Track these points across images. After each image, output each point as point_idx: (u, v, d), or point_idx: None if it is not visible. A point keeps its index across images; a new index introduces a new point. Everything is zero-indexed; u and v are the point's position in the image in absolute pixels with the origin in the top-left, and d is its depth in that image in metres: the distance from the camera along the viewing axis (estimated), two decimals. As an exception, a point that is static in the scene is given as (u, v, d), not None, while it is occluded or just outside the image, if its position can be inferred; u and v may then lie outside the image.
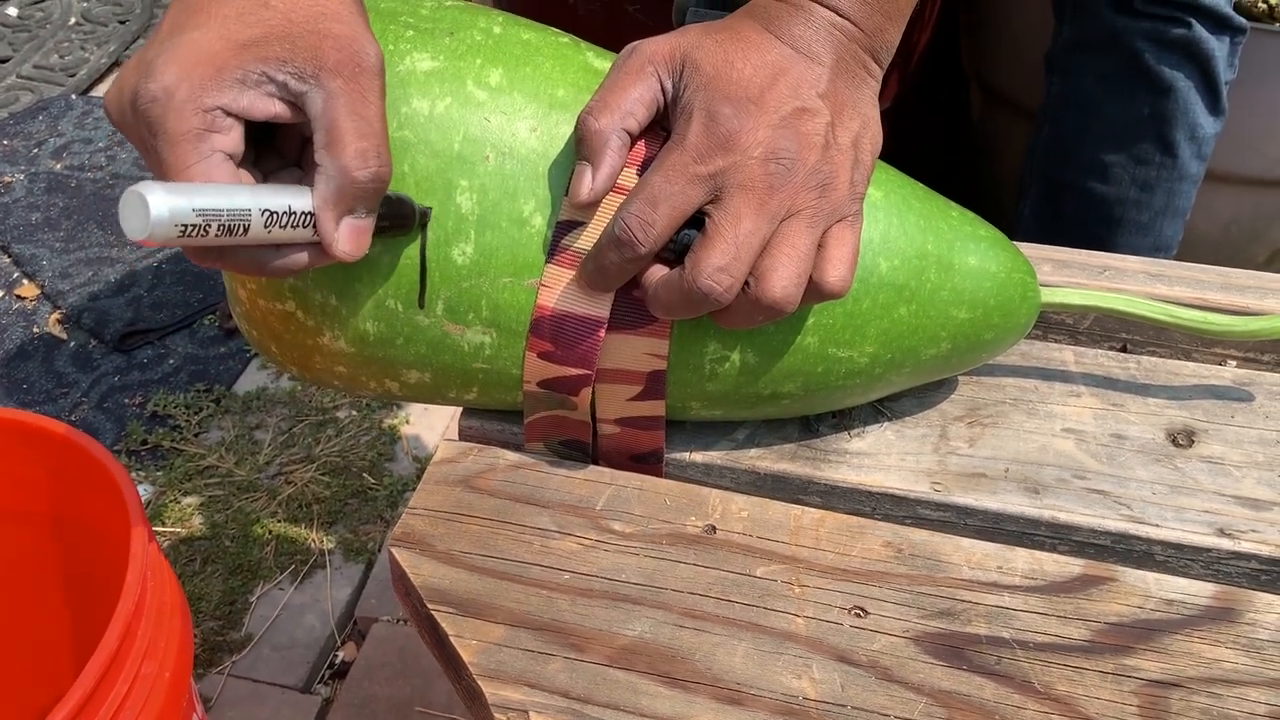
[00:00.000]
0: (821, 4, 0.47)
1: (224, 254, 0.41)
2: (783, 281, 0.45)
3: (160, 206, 0.36)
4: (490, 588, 0.48)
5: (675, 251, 0.46)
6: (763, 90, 0.45)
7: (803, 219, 0.45)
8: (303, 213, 0.41)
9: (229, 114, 0.41)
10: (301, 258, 0.43)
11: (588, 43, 0.53)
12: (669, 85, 0.47)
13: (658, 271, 0.46)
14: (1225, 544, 0.50)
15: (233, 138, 0.41)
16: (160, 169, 0.40)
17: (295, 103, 0.42)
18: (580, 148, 0.47)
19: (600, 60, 0.51)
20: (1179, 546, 0.51)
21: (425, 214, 0.47)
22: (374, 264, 0.48)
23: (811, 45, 0.47)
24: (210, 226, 0.38)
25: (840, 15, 0.47)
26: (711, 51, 0.46)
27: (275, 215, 0.40)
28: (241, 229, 0.39)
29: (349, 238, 0.42)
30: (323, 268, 0.47)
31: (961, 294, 0.52)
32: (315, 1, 0.43)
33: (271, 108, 0.42)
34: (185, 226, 0.37)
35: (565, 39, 0.52)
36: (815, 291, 0.46)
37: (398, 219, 0.46)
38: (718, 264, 0.44)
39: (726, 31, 0.48)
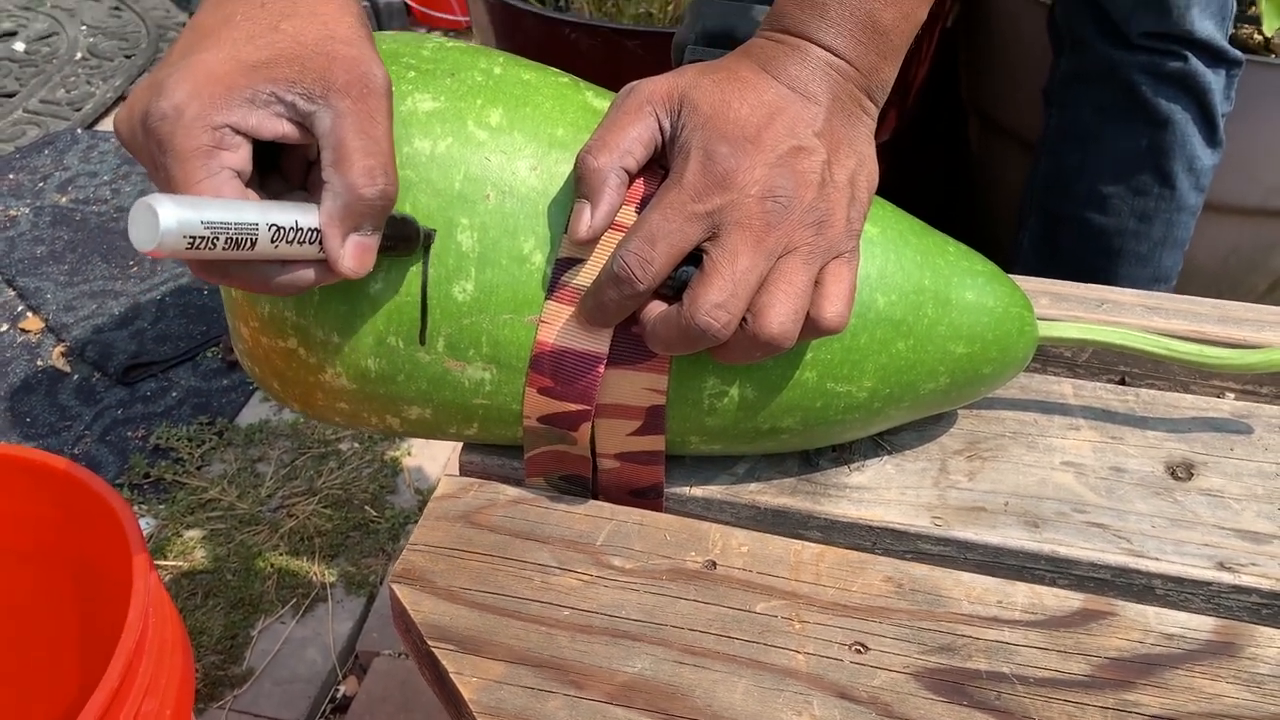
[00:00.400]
0: (817, 44, 0.48)
1: (230, 270, 0.42)
2: (780, 318, 0.45)
3: (169, 218, 0.37)
4: (490, 624, 0.48)
5: (674, 288, 0.46)
6: (759, 129, 0.46)
7: (799, 256, 0.46)
8: (309, 229, 0.42)
9: (238, 132, 0.42)
10: (307, 274, 0.43)
11: (587, 82, 0.54)
12: (667, 124, 0.47)
13: (656, 308, 0.47)
14: (1225, 578, 0.50)
15: (241, 155, 0.42)
16: (169, 185, 0.41)
17: (303, 123, 0.43)
18: (579, 186, 0.47)
19: (599, 99, 0.52)
20: (1179, 580, 0.51)
21: (429, 235, 0.48)
22: (375, 301, 0.48)
23: (808, 85, 0.48)
24: (218, 239, 0.38)
25: (836, 55, 0.48)
26: (709, 91, 0.47)
27: (282, 230, 0.41)
28: (248, 243, 0.40)
29: (354, 254, 0.43)
30: (325, 305, 0.48)
31: (959, 329, 0.53)
32: (324, 25, 0.44)
33: (280, 127, 0.43)
34: (193, 239, 0.38)
35: (565, 79, 0.53)
36: (813, 328, 0.47)
37: (402, 239, 0.46)
38: (715, 300, 0.44)
39: (723, 72, 0.48)
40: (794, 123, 0.47)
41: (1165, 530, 0.53)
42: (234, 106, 0.41)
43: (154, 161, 0.42)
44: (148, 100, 0.41)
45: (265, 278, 0.42)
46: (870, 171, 0.49)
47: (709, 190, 0.45)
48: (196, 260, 0.41)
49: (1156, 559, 0.51)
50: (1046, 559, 0.52)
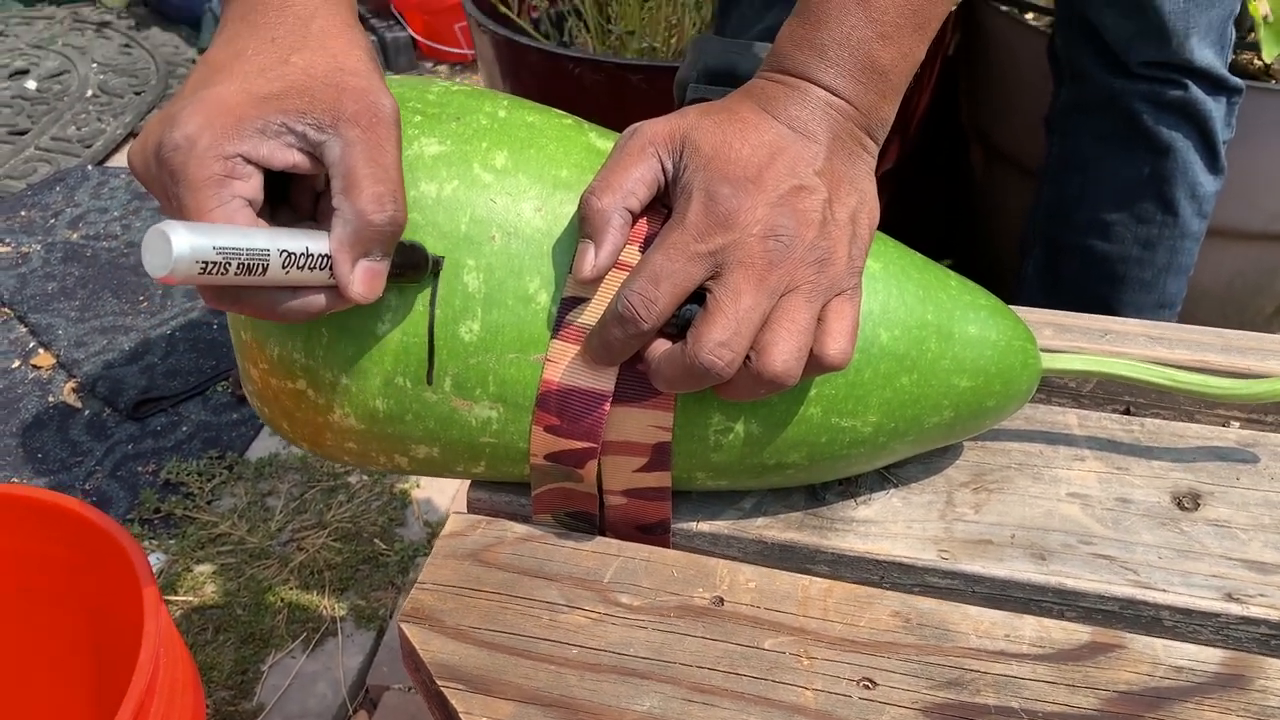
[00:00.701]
0: (816, 84, 0.49)
1: (241, 296, 0.43)
2: (783, 355, 0.45)
3: (182, 244, 0.37)
4: (499, 663, 0.48)
5: (678, 326, 0.47)
6: (760, 169, 0.46)
7: (802, 294, 0.46)
8: (320, 255, 0.43)
9: (249, 162, 0.42)
10: (318, 300, 0.44)
11: (590, 123, 0.54)
12: (669, 165, 0.48)
13: (661, 346, 0.47)
14: (1234, 609, 0.50)
15: (252, 185, 0.43)
16: (182, 214, 0.42)
17: (313, 153, 0.44)
18: (583, 226, 0.48)
19: (602, 140, 0.53)
20: (1187, 612, 0.51)
21: (438, 262, 0.48)
22: (383, 342, 0.49)
23: (808, 124, 0.48)
24: (230, 265, 0.39)
25: (835, 95, 0.49)
26: (710, 132, 0.48)
27: (293, 256, 0.41)
28: (260, 269, 0.40)
29: (364, 280, 0.43)
30: (334, 347, 0.48)
31: (962, 362, 0.53)
32: (333, 58, 0.45)
33: (290, 157, 0.43)
34: (206, 264, 0.38)
35: (568, 120, 0.53)
36: (816, 364, 0.47)
37: (411, 265, 0.47)
38: (719, 339, 0.45)
39: (725, 113, 0.49)
40: (795, 162, 0.47)
41: (1172, 561, 0.53)
42: (245, 137, 0.42)
43: (167, 192, 0.43)
44: (161, 132, 0.42)
45: (275, 303, 0.43)
46: (871, 209, 0.50)
47: (711, 230, 0.46)
48: (209, 286, 0.41)
49: (1164, 590, 0.51)
50: (1054, 591, 0.52)
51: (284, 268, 0.41)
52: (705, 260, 0.46)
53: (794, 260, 0.46)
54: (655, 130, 0.48)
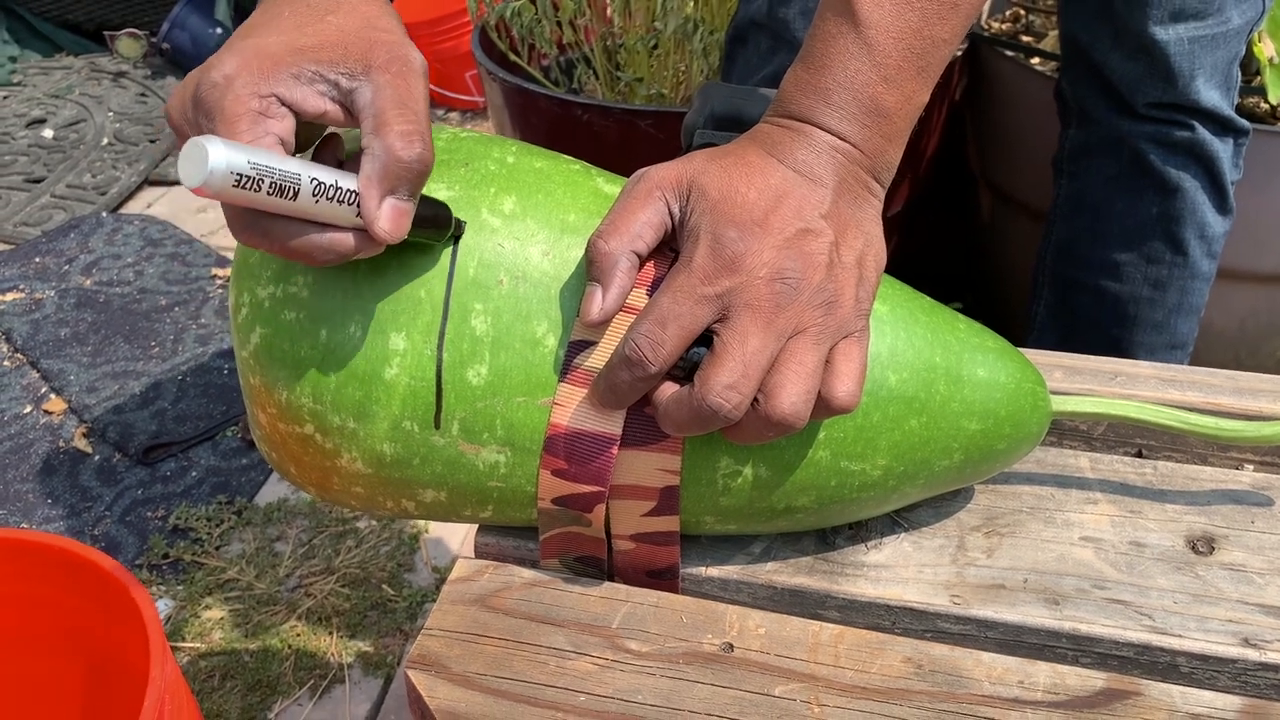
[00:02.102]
0: (822, 129, 0.49)
1: (270, 229, 0.43)
2: (791, 397, 0.45)
3: (219, 156, 0.38)
4: (506, 711, 0.47)
5: (685, 369, 0.47)
6: (767, 213, 0.47)
7: (809, 336, 0.46)
8: (349, 189, 0.43)
9: (283, 103, 0.44)
10: (346, 240, 0.44)
11: (598, 169, 0.55)
12: (676, 209, 0.48)
13: (668, 389, 0.47)
14: (1251, 655, 0.50)
15: (285, 126, 0.44)
16: None
17: (344, 103, 0.45)
18: (591, 269, 0.48)
19: (610, 185, 0.53)
20: (1204, 658, 0.50)
21: (460, 225, 0.49)
22: (390, 386, 0.49)
23: (814, 168, 0.49)
24: (263, 182, 0.40)
25: (840, 139, 0.49)
26: (717, 176, 0.48)
27: (323, 186, 0.42)
28: (291, 192, 0.41)
29: (390, 217, 0.44)
30: (342, 391, 0.48)
31: (972, 405, 0.53)
32: (365, 18, 0.47)
33: (322, 105, 0.45)
34: (240, 177, 0.39)
35: (576, 166, 0.54)
36: (824, 407, 0.47)
37: (435, 220, 0.47)
38: (726, 381, 0.45)
39: (732, 157, 0.49)
40: (801, 206, 0.47)
41: (1188, 606, 0.52)
42: (281, 80, 0.44)
43: (201, 130, 0.44)
44: (199, 76, 0.44)
45: (304, 237, 0.43)
46: (878, 251, 0.50)
47: (718, 273, 0.46)
48: (239, 211, 0.42)
49: (1180, 636, 0.51)
50: (1068, 637, 0.51)
51: (314, 195, 0.42)
52: (712, 303, 0.46)
53: (801, 303, 0.46)
54: (662, 175, 0.49)
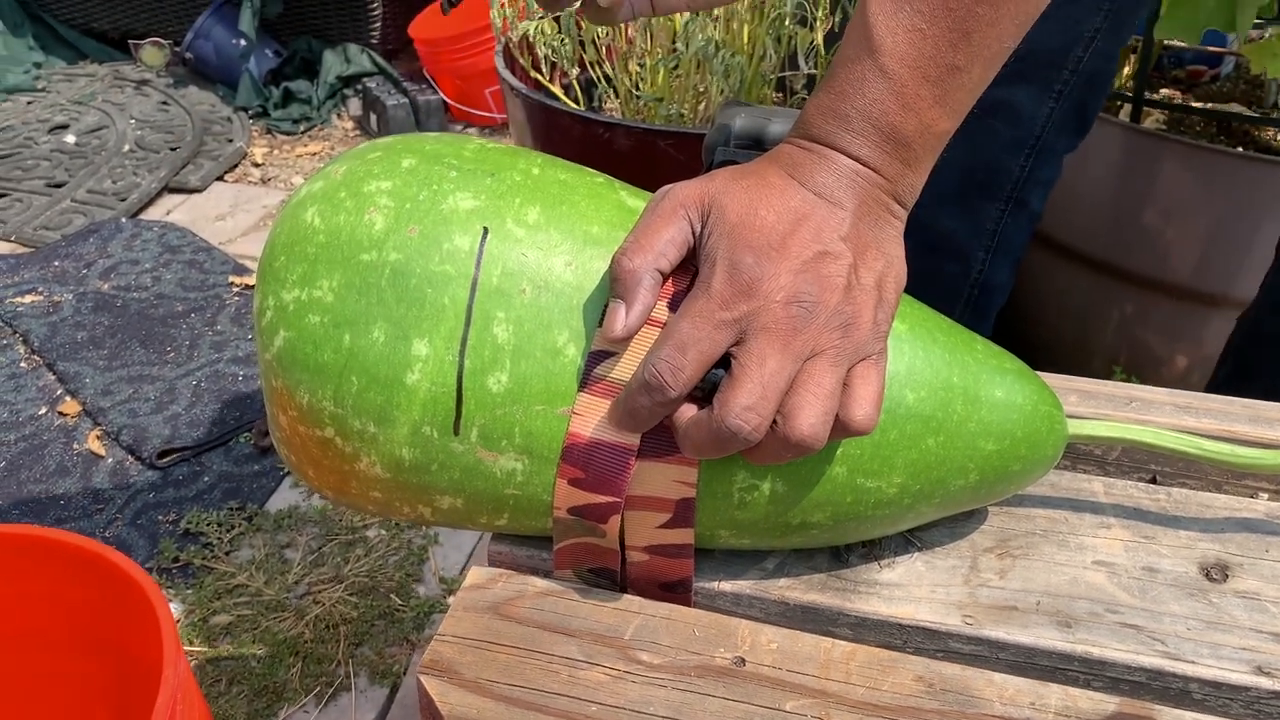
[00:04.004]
0: (842, 152, 0.49)
1: None
2: (810, 419, 0.46)
3: None
4: (517, 718, 0.47)
5: (704, 390, 0.47)
6: (785, 237, 0.47)
7: (827, 358, 0.47)
8: None
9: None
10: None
11: (621, 182, 0.55)
12: (698, 227, 0.49)
13: (688, 411, 0.48)
14: (1265, 683, 0.50)
15: None
16: None
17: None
18: (614, 286, 0.48)
19: (633, 199, 0.53)
20: (1217, 684, 0.50)
21: (484, 232, 0.50)
22: (411, 391, 0.49)
23: (834, 191, 0.49)
24: None
25: (860, 163, 0.49)
26: (737, 198, 0.48)
27: None
28: None
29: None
30: (363, 395, 0.49)
31: (988, 426, 0.53)
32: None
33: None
34: None
35: (600, 178, 0.54)
36: (841, 428, 0.47)
37: None
38: (745, 403, 0.45)
39: (753, 178, 0.50)
40: (820, 228, 0.48)
41: (1201, 633, 0.52)
42: None
43: None
44: None
45: None
46: (898, 273, 0.50)
47: (735, 298, 0.46)
48: None
49: (1193, 662, 0.50)
50: (1080, 660, 0.51)
51: None
52: (730, 327, 0.46)
53: (818, 325, 0.46)
54: (686, 193, 0.49)
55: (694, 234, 0.49)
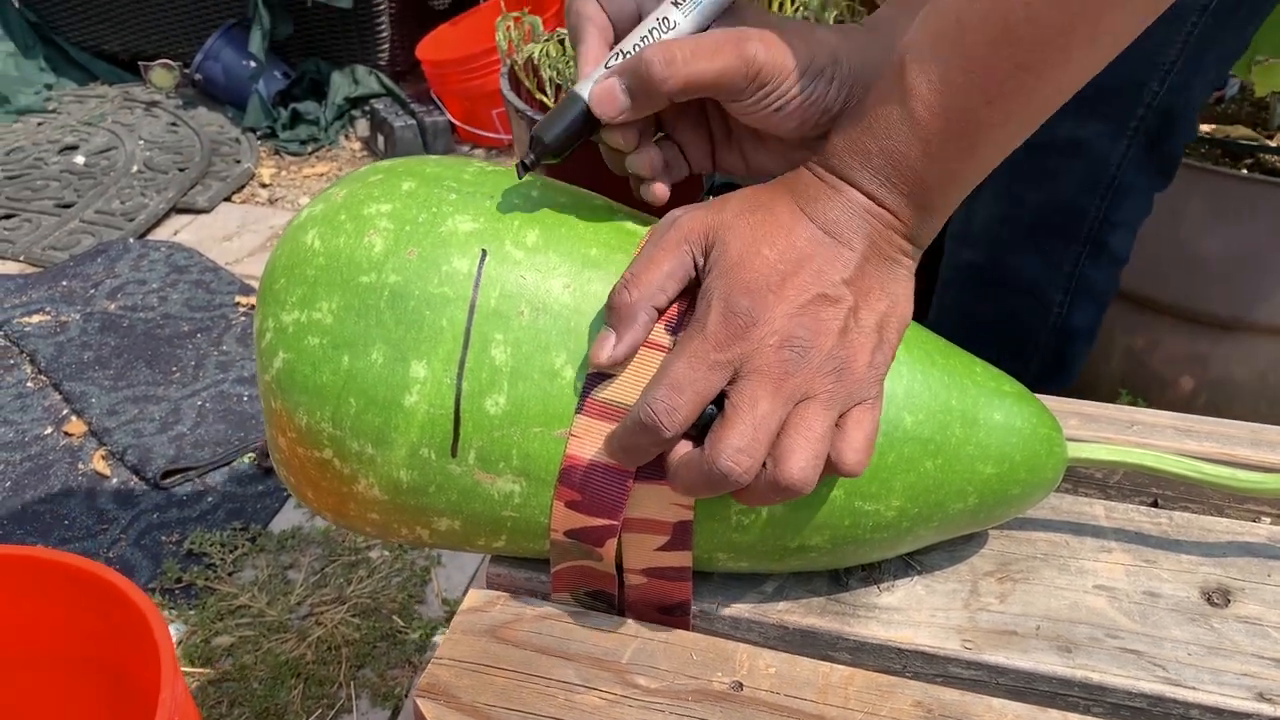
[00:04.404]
0: (858, 189, 0.49)
1: None
2: (800, 463, 0.46)
3: None
4: (514, 742, 0.47)
5: (697, 427, 0.47)
6: (784, 278, 0.47)
7: (819, 402, 0.46)
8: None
9: None
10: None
11: (619, 204, 0.55)
12: (700, 261, 0.49)
13: (682, 448, 0.48)
14: (1266, 709, 0.49)
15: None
16: None
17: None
18: (609, 314, 0.48)
19: (632, 222, 0.54)
20: (1218, 711, 0.50)
21: (483, 254, 0.51)
22: (409, 413, 0.49)
23: (844, 229, 0.48)
24: None
25: (876, 202, 0.48)
26: (741, 234, 0.48)
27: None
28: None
29: (603, 89, 0.50)
30: (361, 418, 0.49)
31: (987, 449, 0.53)
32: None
33: None
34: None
35: (599, 201, 0.54)
36: (831, 469, 0.47)
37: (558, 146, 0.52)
38: (737, 445, 0.45)
39: (761, 211, 0.49)
40: (821, 270, 0.47)
41: (1202, 658, 0.52)
42: None
43: None
44: None
45: None
46: (902, 314, 0.49)
47: (730, 340, 0.46)
48: None
49: (1194, 688, 0.50)
50: (1080, 685, 0.51)
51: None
52: (725, 368, 0.46)
53: (810, 369, 0.46)
54: (691, 225, 0.49)
55: (696, 268, 0.49)
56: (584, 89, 0.50)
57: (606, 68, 0.50)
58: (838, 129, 0.50)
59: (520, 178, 0.52)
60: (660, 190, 0.54)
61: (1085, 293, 0.99)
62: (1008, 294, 1.00)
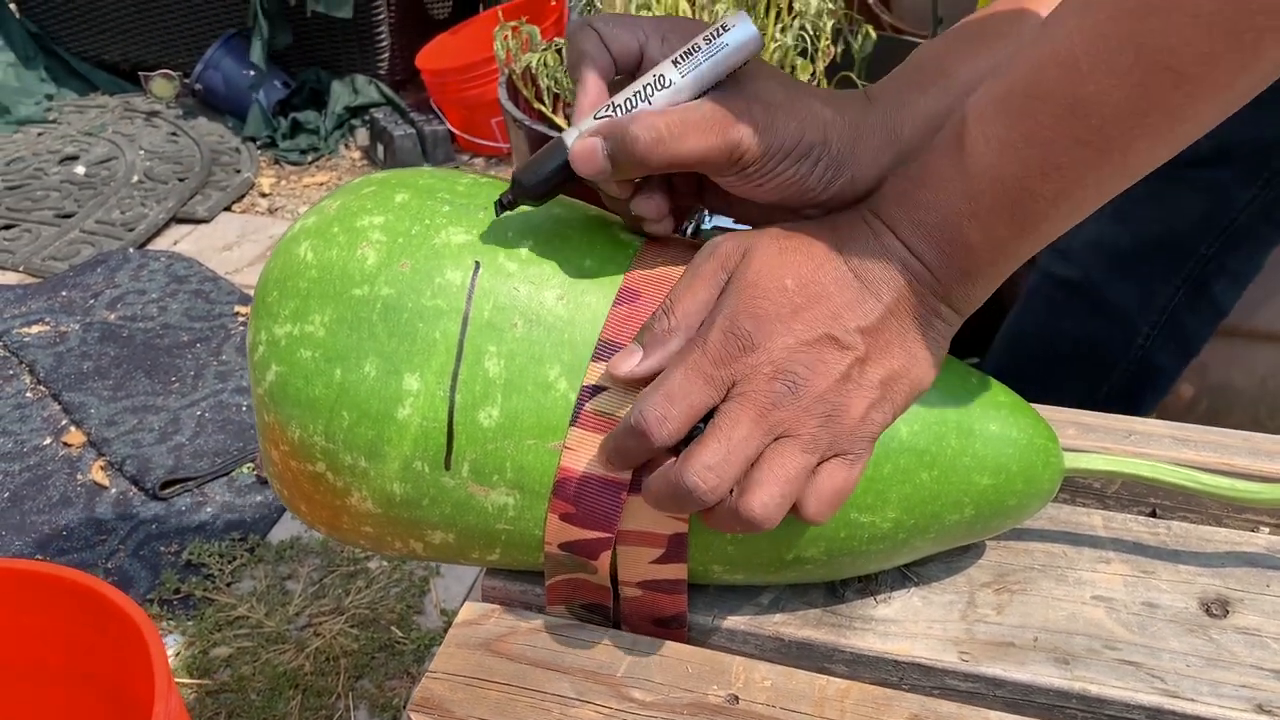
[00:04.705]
0: (901, 240, 0.47)
1: None
2: (763, 498, 0.45)
3: None
4: (508, 756, 0.47)
5: (686, 442, 0.47)
6: (796, 310, 0.46)
7: (799, 443, 0.46)
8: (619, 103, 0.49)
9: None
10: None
11: (615, 216, 0.55)
12: (726, 280, 0.48)
13: (663, 459, 0.47)
14: (1265, 721, 0.49)
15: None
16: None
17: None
18: (643, 334, 0.48)
19: (625, 233, 0.53)
20: (1217, 723, 0.49)
21: (476, 265, 0.50)
22: (403, 426, 0.49)
23: (874, 277, 0.47)
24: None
25: (915, 257, 0.47)
26: (768, 258, 0.47)
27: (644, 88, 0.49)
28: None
29: (583, 147, 0.48)
30: (354, 430, 0.49)
31: (983, 460, 0.52)
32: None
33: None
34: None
35: (593, 213, 0.54)
36: (794, 512, 0.47)
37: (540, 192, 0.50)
38: (706, 462, 0.45)
39: (795, 239, 0.48)
40: (839, 312, 0.46)
41: (1201, 670, 0.51)
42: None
43: None
44: None
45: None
46: (917, 377, 0.48)
47: (726, 358, 0.46)
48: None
49: (1192, 700, 0.50)
50: (1078, 698, 0.51)
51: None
52: (718, 385, 0.46)
53: (798, 408, 0.46)
54: (727, 251, 0.49)
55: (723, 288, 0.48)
56: (570, 138, 0.49)
57: (595, 119, 0.49)
58: (893, 173, 0.49)
59: (498, 216, 0.51)
60: (665, 229, 0.52)
61: (1174, 333, 0.96)
62: (1094, 317, 0.97)
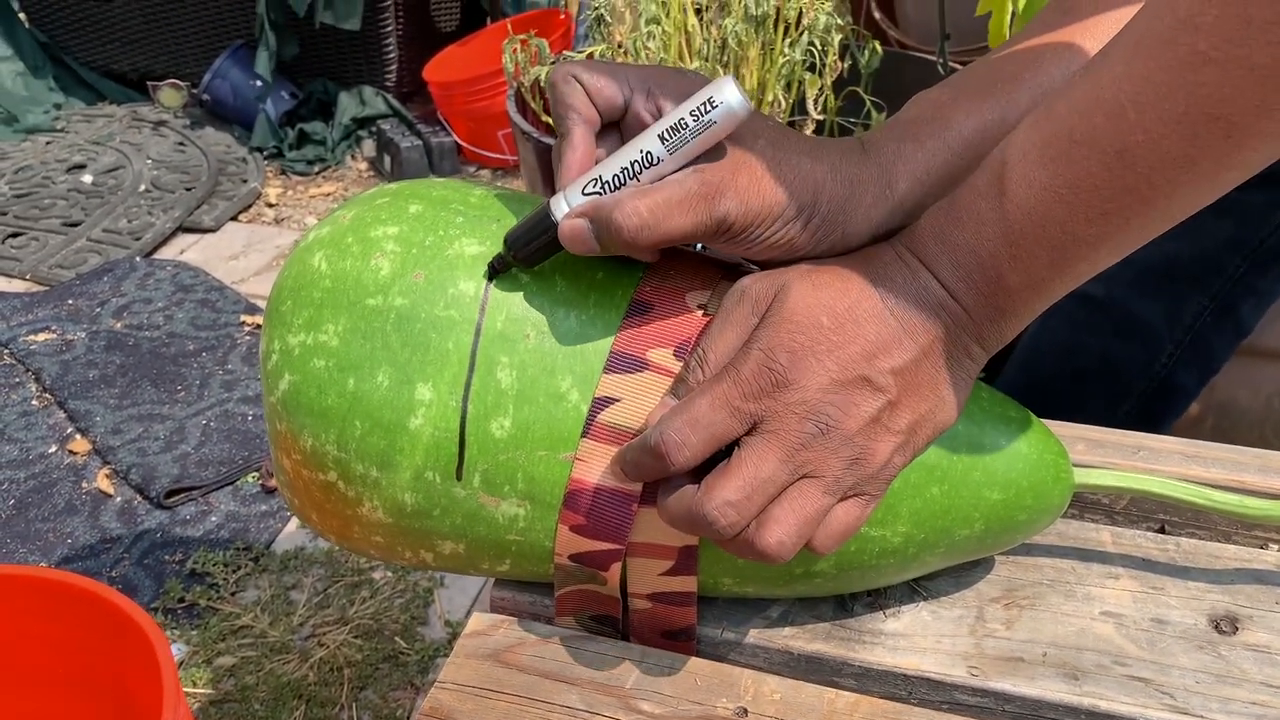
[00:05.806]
0: (938, 279, 0.47)
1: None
2: (780, 535, 0.45)
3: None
4: (517, 767, 0.47)
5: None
6: (832, 349, 0.46)
7: (823, 484, 0.46)
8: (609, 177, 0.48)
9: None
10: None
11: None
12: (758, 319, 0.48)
13: (682, 476, 0.47)
14: (1275, 739, 0.49)
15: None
16: None
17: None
18: (678, 385, 0.48)
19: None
20: (1227, 740, 0.49)
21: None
22: (415, 436, 0.49)
23: (911, 318, 0.46)
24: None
25: (952, 296, 0.46)
26: (803, 294, 0.47)
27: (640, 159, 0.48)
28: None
29: (571, 227, 0.48)
30: (366, 440, 0.49)
31: (993, 475, 0.52)
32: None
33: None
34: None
35: (605, 225, 0.54)
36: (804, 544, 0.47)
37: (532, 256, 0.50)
38: (728, 498, 0.44)
39: (833, 275, 0.48)
40: (874, 354, 0.46)
41: (1210, 686, 0.51)
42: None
43: None
44: None
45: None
46: (942, 420, 0.48)
47: (758, 393, 0.45)
48: None
49: (1201, 717, 0.50)
50: (1086, 713, 0.50)
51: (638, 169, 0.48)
52: (746, 418, 0.46)
53: (826, 449, 0.45)
54: (757, 294, 0.48)
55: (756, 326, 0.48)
56: (558, 210, 0.48)
57: (584, 194, 0.48)
58: (930, 211, 0.48)
59: (489, 280, 0.50)
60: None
61: (1198, 353, 0.96)
62: (1117, 333, 0.97)
